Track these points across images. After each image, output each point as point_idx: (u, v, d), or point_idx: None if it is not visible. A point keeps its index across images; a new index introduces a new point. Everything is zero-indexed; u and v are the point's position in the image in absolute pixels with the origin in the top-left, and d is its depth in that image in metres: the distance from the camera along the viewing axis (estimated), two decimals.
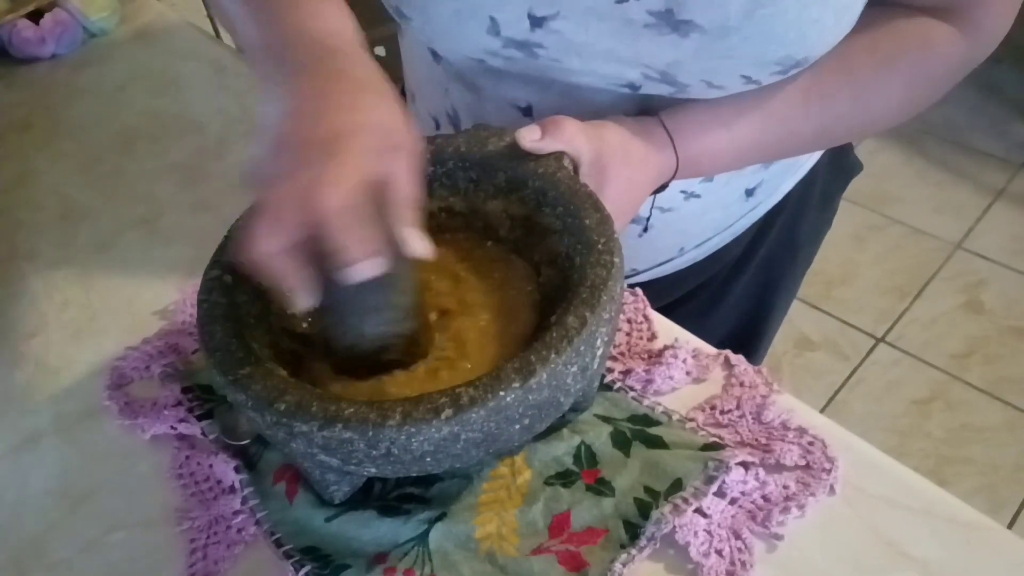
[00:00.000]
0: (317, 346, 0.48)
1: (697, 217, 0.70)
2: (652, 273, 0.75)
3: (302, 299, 0.40)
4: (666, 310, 0.62)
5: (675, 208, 0.67)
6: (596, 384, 0.54)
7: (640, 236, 0.70)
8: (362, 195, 0.38)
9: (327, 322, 0.46)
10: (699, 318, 0.79)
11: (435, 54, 0.66)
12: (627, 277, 0.75)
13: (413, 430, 0.39)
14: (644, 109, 0.60)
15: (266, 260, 0.38)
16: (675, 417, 0.53)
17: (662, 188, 0.61)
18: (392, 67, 0.82)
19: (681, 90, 0.56)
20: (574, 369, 0.43)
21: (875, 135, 0.69)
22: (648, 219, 0.68)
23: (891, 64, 0.58)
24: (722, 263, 0.78)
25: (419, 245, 0.41)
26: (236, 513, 0.51)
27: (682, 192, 0.66)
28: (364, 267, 0.38)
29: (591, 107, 0.60)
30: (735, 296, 0.82)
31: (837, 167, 0.80)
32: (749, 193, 0.71)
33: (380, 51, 1.14)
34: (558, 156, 0.52)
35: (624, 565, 0.46)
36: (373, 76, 0.43)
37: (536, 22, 0.54)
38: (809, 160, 0.76)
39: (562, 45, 0.55)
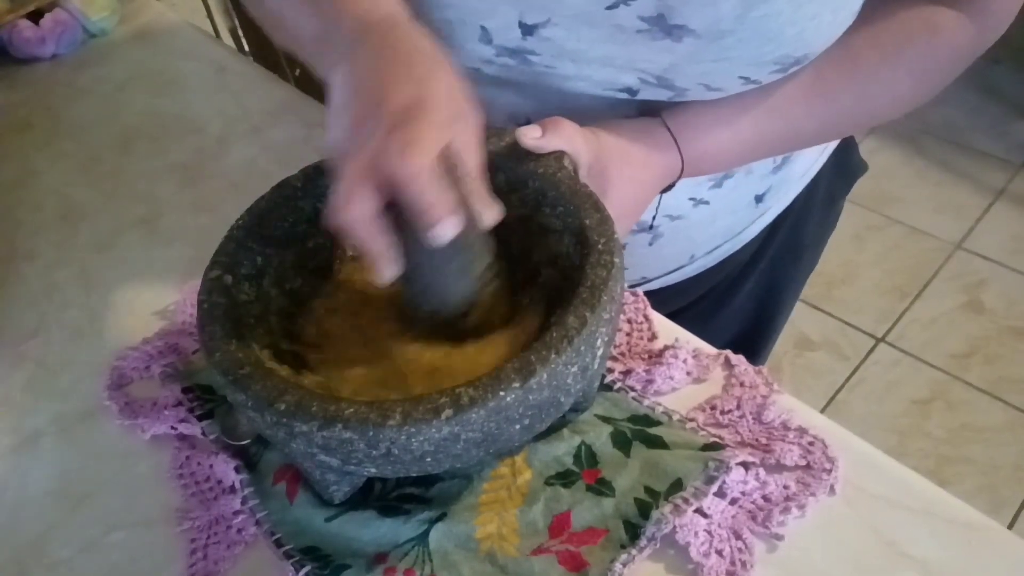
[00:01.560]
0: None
1: (707, 224, 0.70)
2: (662, 281, 0.75)
3: (388, 266, 0.41)
4: (671, 317, 0.62)
5: (684, 215, 0.67)
6: (596, 384, 0.54)
7: (650, 245, 0.69)
8: (440, 161, 0.39)
9: (408, 292, 0.47)
10: (704, 323, 0.79)
11: None
12: (638, 285, 0.75)
13: (413, 430, 0.39)
14: (645, 112, 0.59)
15: (355, 225, 0.39)
16: (675, 417, 0.53)
17: (668, 188, 0.60)
18: None
19: (680, 94, 0.56)
20: (574, 369, 0.42)
21: (883, 124, 0.68)
22: (652, 222, 0.68)
23: (897, 55, 0.57)
24: (730, 268, 0.78)
25: (490, 214, 0.42)
26: (236, 513, 0.51)
27: (691, 199, 0.66)
28: (450, 225, 0.39)
29: (593, 118, 0.60)
30: (740, 300, 0.82)
31: (841, 169, 0.80)
32: (759, 199, 0.71)
33: None
34: (558, 156, 0.52)
35: (624, 565, 0.46)
36: (431, 47, 0.44)
37: (527, 30, 0.54)
38: (815, 165, 0.75)
39: (555, 51, 0.55)
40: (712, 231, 0.71)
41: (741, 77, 0.53)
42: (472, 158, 0.42)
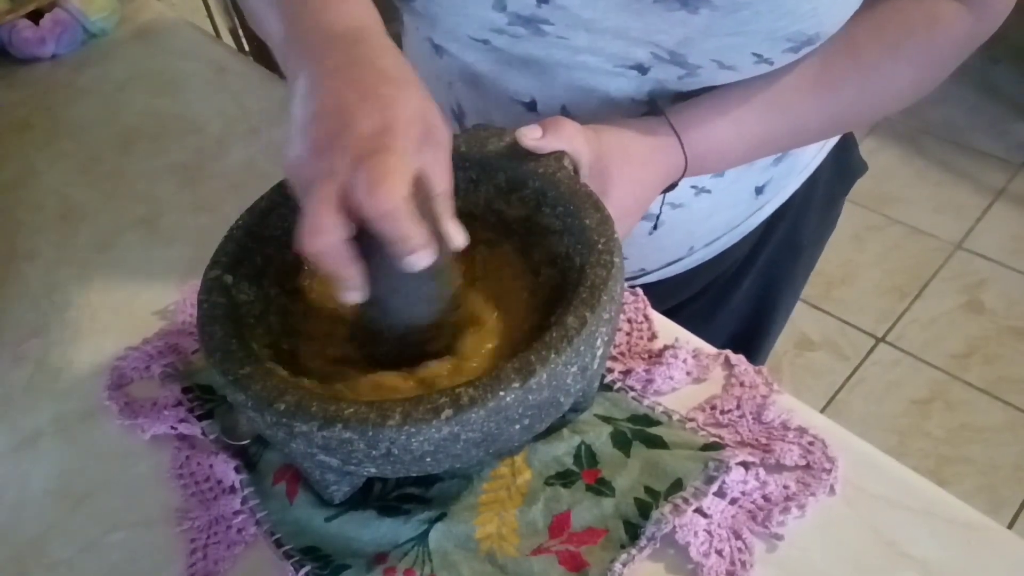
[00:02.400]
0: (359, 342, 0.49)
1: (707, 215, 0.70)
2: (661, 273, 0.75)
3: (355, 292, 0.41)
4: (670, 313, 0.62)
5: (685, 204, 0.67)
6: (596, 384, 0.54)
7: (650, 234, 0.69)
8: (411, 190, 0.38)
9: (373, 316, 0.46)
10: (703, 321, 0.79)
11: (438, 49, 0.65)
12: (636, 277, 0.75)
13: (413, 430, 0.39)
14: (651, 100, 0.59)
15: (325, 253, 0.39)
16: (675, 417, 0.53)
17: (672, 187, 0.60)
18: None
19: (691, 72, 0.56)
20: (574, 369, 0.43)
21: (884, 118, 0.68)
22: (659, 216, 0.67)
23: (898, 48, 0.57)
24: (728, 264, 0.78)
25: (459, 237, 0.42)
26: (236, 513, 0.51)
27: (692, 187, 0.66)
28: (424, 255, 0.39)
29: (597, 99, 0.59)
30: (739, 299, 0.82)
31: (841, 168, 0.80)
32: (759, 191, 0.71)
33: None
34: (558, 156, 0.52)
35: (624, 565, 0.46)
36: (398, 65, 0.43)
37: None
38: (815, 159, 0.76)
39: (569, 20, 0.54)
40: (712, 223, 0.71)
41: (754, 54, 0.53)
42: (442, 181, 0.42)
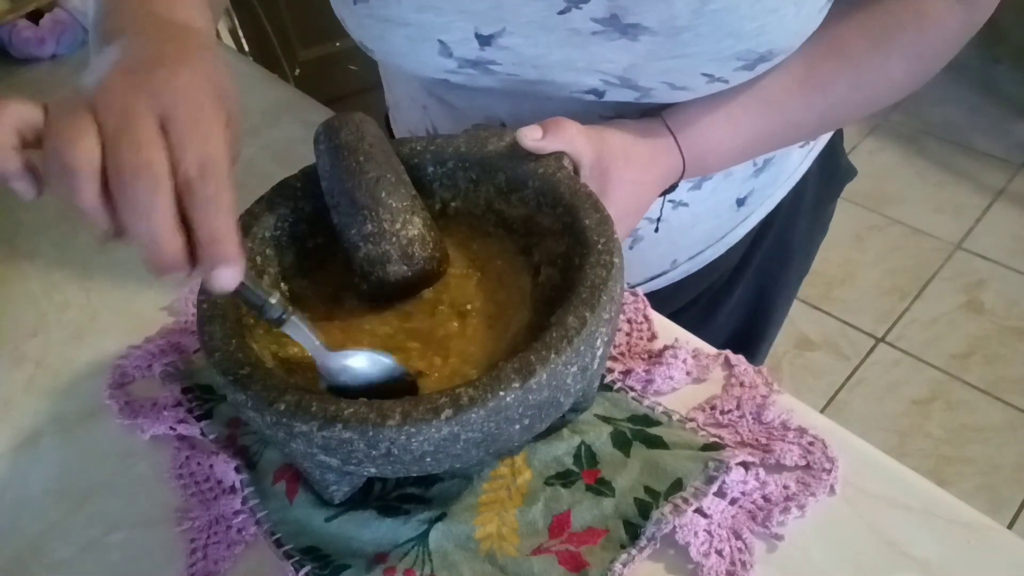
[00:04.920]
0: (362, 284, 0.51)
1: (688, 228, 0.70)
2: (646, 287, 0.75)
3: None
4: None
5: (664, 218, 0.67)
6: (596, 384, 0.54)
7: (631, 248, 0.69)
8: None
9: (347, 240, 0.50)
10: (695, 327, 0.79)
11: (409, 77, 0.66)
12: None
13: (413, 430, 0.39)
14: (619, 116, 0.59)
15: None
16: (675, 417, 0.53)
17: (672, 188, 0.60)
18: (376, 83, 0.82)
19: (645, 94, 0.56)
20: (574, 369, 0.43)
21: (885, 107, 0.67)
22: (659, 219, 0.67)
23: (887, 43, 0.57)
24: (717, 274, 0.78)
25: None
26: (236, 513, 0.51)
27: (669, 201, 0.66)
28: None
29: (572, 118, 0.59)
30: (730, 305, 0.82)
31: (828, 173, 0.79)
32: (740, 203, 0.70)
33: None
34: (558, 156, 0.52)
35: (624, 565, 0.46)
36: (180, 47, 0.44)
37: (484, 40, 0.54)
38: (801, 167, 0.75)
39: (515, 59, 0.55)
40: (694, 236, 0.71)
41: (704, 74, 0.53)
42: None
